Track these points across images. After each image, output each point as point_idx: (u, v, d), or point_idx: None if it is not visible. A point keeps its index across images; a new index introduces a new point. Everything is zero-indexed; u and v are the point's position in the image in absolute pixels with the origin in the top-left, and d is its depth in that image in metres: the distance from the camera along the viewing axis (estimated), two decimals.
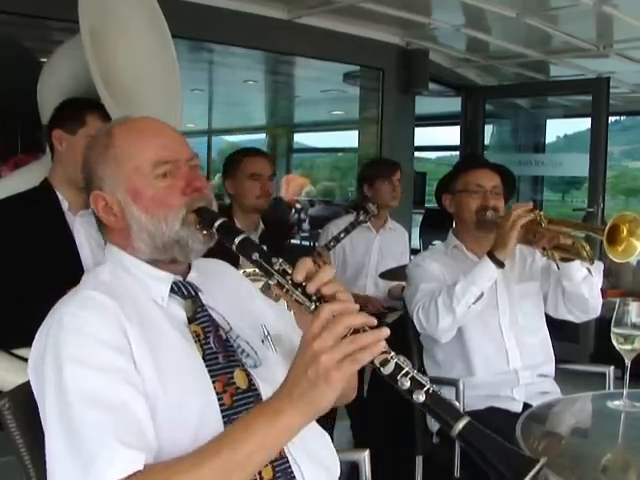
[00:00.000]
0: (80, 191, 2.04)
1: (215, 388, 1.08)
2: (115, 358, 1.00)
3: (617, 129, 8.94)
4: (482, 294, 1.99)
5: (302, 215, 9.04)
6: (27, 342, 1.83)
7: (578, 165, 5.12)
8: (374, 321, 0.93)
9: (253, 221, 2.76)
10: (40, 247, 1.88)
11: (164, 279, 1.15)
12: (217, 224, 1.11)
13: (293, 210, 9.08)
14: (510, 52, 4.67)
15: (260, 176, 2.71)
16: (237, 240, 1.07)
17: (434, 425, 2.17)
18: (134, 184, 1.13)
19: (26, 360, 1.82)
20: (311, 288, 0.98)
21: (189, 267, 1.21)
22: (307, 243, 7.69)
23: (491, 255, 1.97)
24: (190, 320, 1.14)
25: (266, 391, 1.10)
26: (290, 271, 1.01)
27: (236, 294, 1.28)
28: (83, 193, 2.03)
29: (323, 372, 0.88)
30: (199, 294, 1.18)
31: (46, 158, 2.09)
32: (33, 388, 1.06)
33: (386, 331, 0.92)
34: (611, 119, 8.02)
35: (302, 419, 0.92)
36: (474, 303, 1.99)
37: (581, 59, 4.76)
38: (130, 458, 0.92)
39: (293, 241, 7.86)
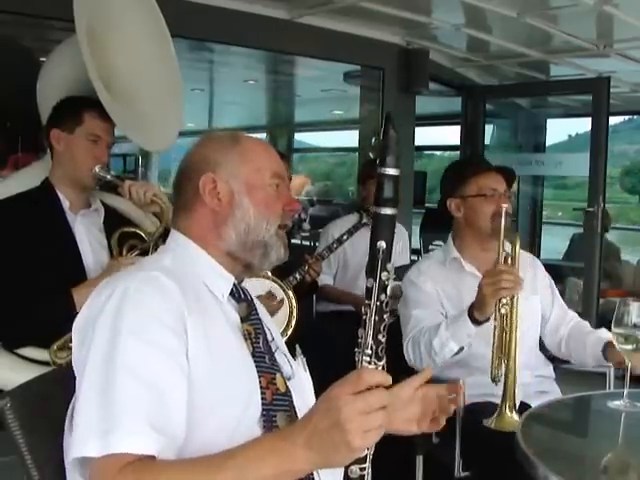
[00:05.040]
0: (80, 190, 2.05)
1: (260, 383, 1.13)
2: (171, 340, 1.03)
3: (631, 127, 8.80)
4: (462, 348, 1.96)
5: (302, 215, 9.04)
6: (29, 341, 1.86)
7: (578, 165, 5.12)
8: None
9: None
10: (42, 247, 1.88)
11: (227, 278, 1.21)
12: None
13: None
14: (510, 52, 4.67)
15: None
16: None
17: None
18: (253, 181, 1.20)
19: (29, 360, 1.85)
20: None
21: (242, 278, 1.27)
22: (307, 243, 7.68)
23: (470, 313, 1.91)
24: (243, 320, 1.19)
25: (297, 402, 1.17)
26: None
27: (267, 315, 1.36)
28: (83, 192, 2.06)
29: (350, 439, 0.87)
30: (253, 300, 1.25)
31: (47, 158, 2.10)
32: (74, 345, 1.09)
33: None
34: (624, 118, 7.95)
35: (313, 469, 0.97)
36: (456, 354, 1.97)
37: (581, 59, 4.76)
38: (150, 441, 0.94)
39: (293, 241, 7.87)
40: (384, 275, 0.97)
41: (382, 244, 0.98)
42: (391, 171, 0.98)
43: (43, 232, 1.91)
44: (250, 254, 1.20)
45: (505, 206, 1.97)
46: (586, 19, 3.86)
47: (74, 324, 1.10)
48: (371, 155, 3.18)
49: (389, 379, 0.91)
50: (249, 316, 1.20)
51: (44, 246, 1.89)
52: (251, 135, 1.30)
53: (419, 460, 2.02)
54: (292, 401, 1.16)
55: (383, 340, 0.95)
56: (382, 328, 0.95)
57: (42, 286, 1.81)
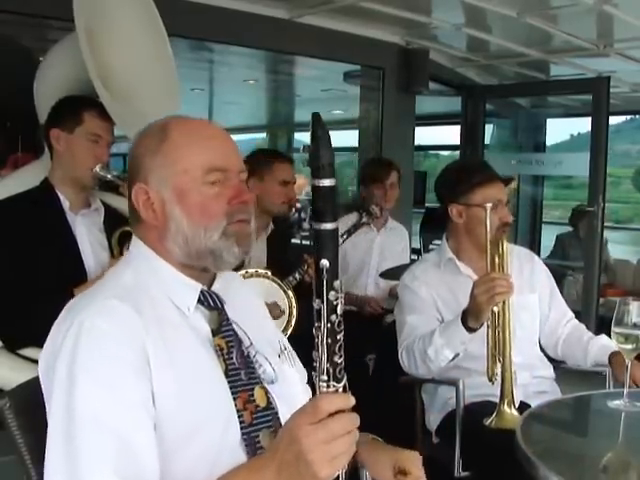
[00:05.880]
0: (80, 190, 2.05)
1: (236, 405, 1.06)
2: (131, 381, 0.98)
3: (633, 127, 8.78)
4: (458, 354, 1.96)
5: (302, 215, 9.03)
6: (30, 342, 1.85)
7: (578, 164, 5.12)
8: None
9: (265, 222, 2.76)
10: (42, 247, 1.88)
11: (192, 287, 1.12)
12: None
13: (293, 210, 9.08)
14: (510, 51, 4.66)
15: (289, 183, 2.72)
16: None
17: (433, 425, 2.17)
18: (181, 185, 1.09)
19: (30, 360, 1.85)
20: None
21: (214, 276, 1.17)
22: (307, 243, 7.68)
23: (464, 321, 1.90)
24: (214, 333, 1.11)
25: (282, 410, 1.11)
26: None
27: (252, 307, 1.27)
28: (83, 192, 2.05)
29: (316, 470, 0.84)
30: (224, 306, 1.15)
31: (46, 157, 2.09)
32: (42, 383, 1.04)
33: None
34: (626, 117, 7.94)
35: None
36: (452, 360, 1.97)
37: (581, 58, 4.76)
38: None
39: (293, 240, 7.86)
40: (332, 295, 0.87)
41: (325, 263, 0.87)
42: (325, 182, 0.86)
43: (43, 232, 1.91)
44: (200, 261, 1.11)
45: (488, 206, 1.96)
46: (586, 19, 3.86)
47: (40, 356, 1.05)
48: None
49: (350, 401, 0.87)
50: (220, 327, 1.11)
51: (44, 246, 1.89)
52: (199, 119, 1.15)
53: None
54: (276, 412, 1.10)
55: (340, 361, 0.89)
56: (337, 349, 0.89)
57: (42, 286, 1.80)
